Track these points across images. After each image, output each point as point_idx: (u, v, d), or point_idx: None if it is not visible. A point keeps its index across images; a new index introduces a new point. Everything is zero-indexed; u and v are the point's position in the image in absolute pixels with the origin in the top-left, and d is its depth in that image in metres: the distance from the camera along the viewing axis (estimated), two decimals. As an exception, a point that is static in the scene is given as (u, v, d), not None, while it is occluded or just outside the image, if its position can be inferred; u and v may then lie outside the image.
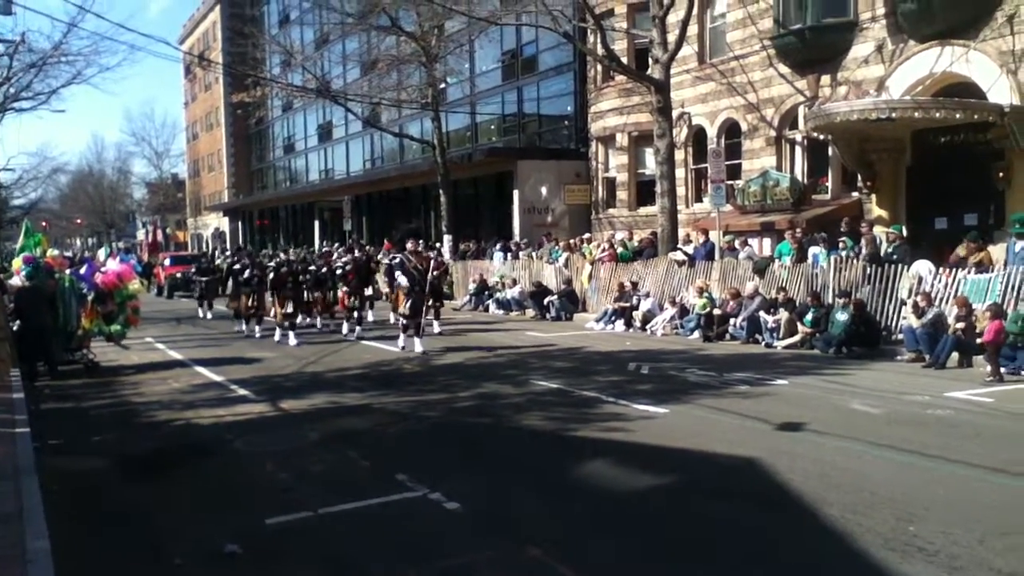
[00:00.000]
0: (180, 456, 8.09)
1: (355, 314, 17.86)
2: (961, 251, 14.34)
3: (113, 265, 14.54)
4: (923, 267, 14.45)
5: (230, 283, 19.87)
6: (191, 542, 5.71)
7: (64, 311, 13.45)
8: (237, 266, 19.01)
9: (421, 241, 17.28)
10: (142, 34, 49.61)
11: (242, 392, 11.45)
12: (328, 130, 49.63)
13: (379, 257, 22.64)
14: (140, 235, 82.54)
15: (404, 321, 15.29)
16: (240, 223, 61.04)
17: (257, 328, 18.12)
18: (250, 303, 18.11)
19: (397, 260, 15.65)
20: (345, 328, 17.96)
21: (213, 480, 7.28)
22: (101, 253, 16.69)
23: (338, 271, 18.81)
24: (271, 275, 17.51)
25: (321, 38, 45.90)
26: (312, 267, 19.45)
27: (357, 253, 20.46)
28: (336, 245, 31.38)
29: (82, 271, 14.36)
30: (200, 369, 13.69)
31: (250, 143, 63.25)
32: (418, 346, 14.90)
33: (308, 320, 19.29)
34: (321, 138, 51.10)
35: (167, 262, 36.96)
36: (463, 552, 5.39)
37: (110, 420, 10.00)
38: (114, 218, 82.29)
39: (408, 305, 14.99)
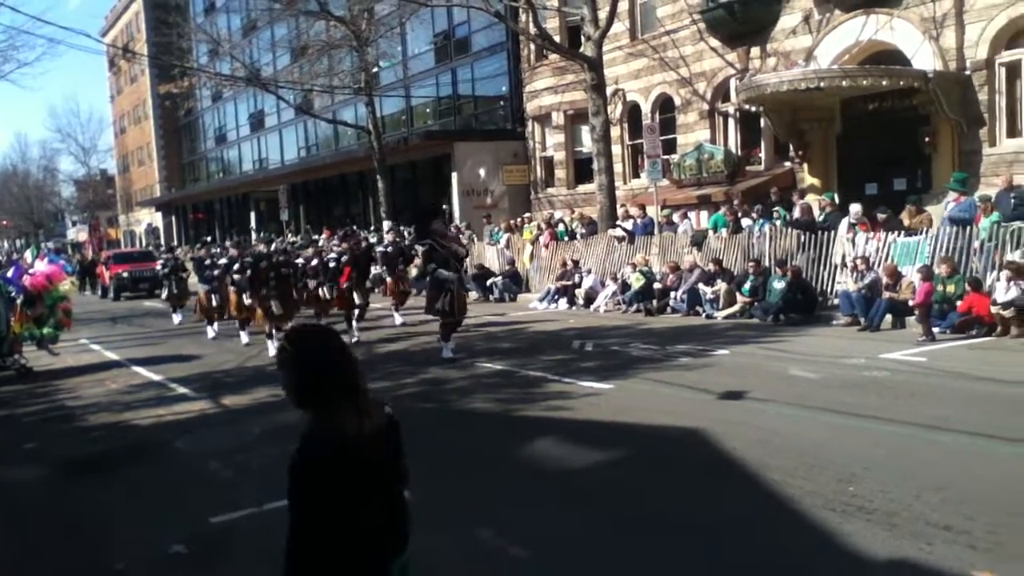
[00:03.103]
0: (120, 459, 7.91)
1: (355, 312, 15.43)
2: (905, 216, 14.68)
3: (41, 266, 14.12)
4: (843, 224, 14.86)
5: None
6: (134, 545, 5.59)
7: (-9, 317, 13.03)
8: (223, 260, 16.38)
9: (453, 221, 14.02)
10: (61, 27, 48.54)
11: (182, 390, 11.22)
12: (260, 119, 48.74)
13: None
14: (71, 234, 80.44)
15: (445, 323, 12.39)
16: (174, 218, 59.77)
17: (244, 334, 15.47)
18: (241, 302, 14.93)
19: (426, 246, 12.65)
20: (355, 334, 15.03)
21: (155, 481, 7.13)
22: (28, 254, 16.11)
23: (331, 263, 15.91)
24: (248, 271, 14.47)
25: (249, 25, 45.02)
26: (300, 259, 16.57)
27: (354, 241, 17.82)
28: (335, 234, 29.03)
29: (9, 274, 13.94)
30: (138, 369, 13.39)
31: (180, 135, 61.83)
32: (447, 351, 12.19)
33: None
34: (253, 127, 50.17)
35: (111, 261, 33.93)
36: (412, 539, 5.35)
37: (45, 425, 9.72)
38: (42, 218, 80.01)
39: (446, 301, 12.16)
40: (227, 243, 25.24)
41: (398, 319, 17.08)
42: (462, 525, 5.54)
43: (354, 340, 14.60)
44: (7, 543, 5.70)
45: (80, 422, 9.77)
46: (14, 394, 11.95)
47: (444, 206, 26.08)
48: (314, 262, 16.45)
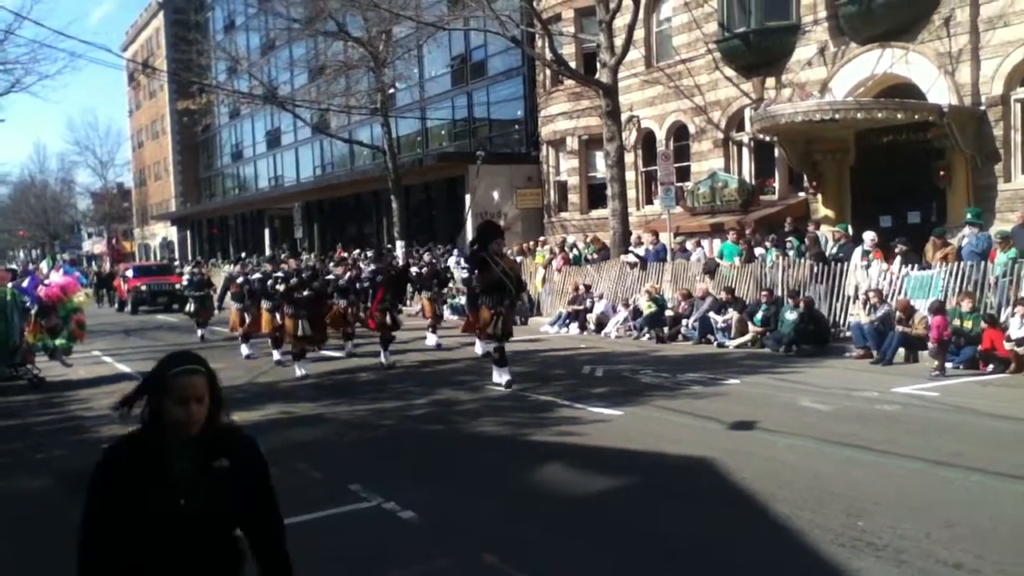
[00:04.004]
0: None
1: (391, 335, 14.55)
2: (929, 248, 14.64)
3: (56, 278, 14.24)
4: (857, 253, 15.01)
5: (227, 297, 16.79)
6: (140, 560, 5.58)
7: (6, 326, 13.11)
8: (256, 276, 15.76)
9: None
10: (83, 41, 48.90)
11: (192, 405, 11.21)
12: (277, 137, 49.13)
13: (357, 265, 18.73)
14: (87, 245, 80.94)
15: (495, 346, 11.76)
16: (189, 232, 60.14)
17: (276, 352, 14.93)
18: (274, 320, 14.58)
19: (475, 271, 11.76)
20: (384, 357, 14.22)
21: (163, 496, 7.12)
22: (44, 266, 16.22)
23: (365, 283, 15.32)
24: (280, 287, 13.93)
25: (267, 44, 45.40)
26: (330, 276, 15.95)
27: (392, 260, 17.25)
28: (359, 253, 27.88)
29: (24, 284, 14.04)
30: (149, 382, 13.37)
31: (197, 151, 62.34)
32: (504, 375, 11.50)
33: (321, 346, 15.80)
34: (270, 145, 50.56)
35: (130, 273, 33.17)
36: (418, 561, 5.36)
37: (56, 436, 9.78)
38: (58, 229, 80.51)
39: (498, 324, 11.52)
40: (253, 259, 24.77)
41: (432, 340, 16.48)
42: (468, 548, 5.52)
43: (385, 364, 14.03)
44: (14, 553, 5.72)
45: (91, 434, 9.79)
46: (26, 404, 12.02)
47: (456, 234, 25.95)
48: (346, 277, 15.83)
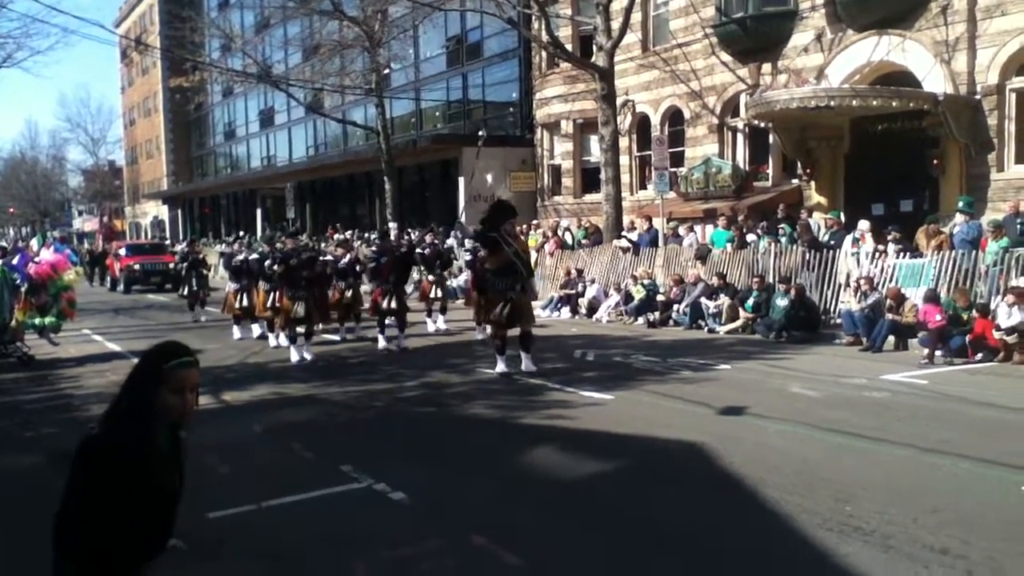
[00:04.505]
0: (119, 450, 7.90)
1: (393, 319, 14.01)
2: (921, 236, 14.67)
3: (47, 255, 14.16)
4: (847, 241, 15.09)
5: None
6: (130, 538, 5.58)
7: (-4, 303, 13.07)
8: (254, 256, 15.50)
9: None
10: (76, 16, 48.15)
11: (183, 384, 11.19)
12: (270, 116, 48.85)
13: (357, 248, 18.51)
14: (77, 223, 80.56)
15: (500, 334, 11.13)
16: (180, 211, 59.89)
17: (272, 337, 14.67)
18: (273, 302, 14.07)
19: (481, 254, 10.98)
20: (382, 341, 13.93)
21: (153, 474, 7.11)
22: (34, 243, 16.14)
23: (371, 264, 14.88)
24: (279, 268, 13.25)
25: (262, 22, 45.13)
26: (329, 256, 15.57)
27: (403, 237, 16.56)
28: (351, 234, 27.15)
29: (14, 261, 13.97)
30: (139, 361, 13.33)
31: (190, 129, 61.97)
32: (500, 365, 11.10)
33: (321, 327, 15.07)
34: (263, 124, 50.27)
35: (122, 252, 32.58)
36: (408, 542, 5.37)
37: (45, 414, 9.75)
38: (48, 206, 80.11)
39: (506, 311, 10.92)
40: (246, 238, 24.65)
41: (431, 326, 16.06)
42: (458, 529, 5.54)
43: (381, 347, 13.80)
44: (2, 531, 5.72)
45: (80, 412, 9.77)
46: (15, 382, 11.99)
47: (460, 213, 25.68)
48: (345, 259, 15.55)
